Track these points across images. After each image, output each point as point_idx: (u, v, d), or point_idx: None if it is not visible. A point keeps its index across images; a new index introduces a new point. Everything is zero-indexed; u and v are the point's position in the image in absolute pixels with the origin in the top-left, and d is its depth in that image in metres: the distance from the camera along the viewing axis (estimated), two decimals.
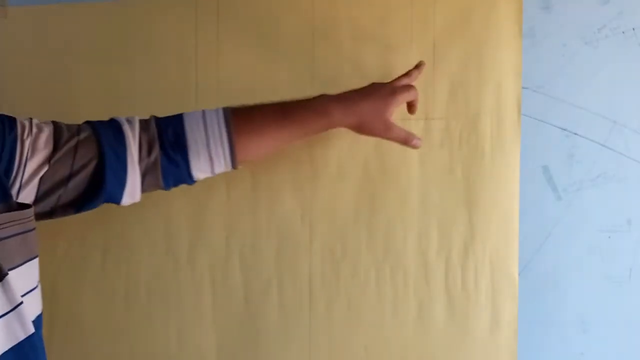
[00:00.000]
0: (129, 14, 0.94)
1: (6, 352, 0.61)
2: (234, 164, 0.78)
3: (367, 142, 0.88)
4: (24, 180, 0.68)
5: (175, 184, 0.79)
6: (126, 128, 0.75)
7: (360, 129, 0.80)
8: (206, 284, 0.93)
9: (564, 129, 0.88)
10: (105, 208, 0.77)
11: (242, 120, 0.77)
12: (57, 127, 0.73)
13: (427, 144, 0.86)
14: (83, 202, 0.73)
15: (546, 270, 0.88)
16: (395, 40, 0.87)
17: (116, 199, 0.75)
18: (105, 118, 0.76)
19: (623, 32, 0.86)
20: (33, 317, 0.67)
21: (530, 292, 0.87)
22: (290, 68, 0.90)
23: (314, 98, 0.79)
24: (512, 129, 0.85)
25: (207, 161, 0.77)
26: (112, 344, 0.95)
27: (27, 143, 0.69)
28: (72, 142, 0.72)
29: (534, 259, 0.89)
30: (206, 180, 0.80)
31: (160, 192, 0.79)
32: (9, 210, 0.64)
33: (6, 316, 0.62)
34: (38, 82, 0.97)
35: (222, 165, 0.78)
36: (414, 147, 0.81)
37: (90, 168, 0.72)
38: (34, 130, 0.70)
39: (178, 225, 0.93)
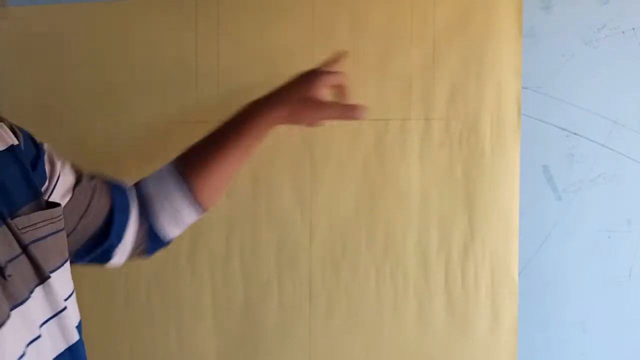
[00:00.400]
0: (129, 14, 0.94)
1: None
2: (201, 206, 0.78)
3: (367, 142, 0.88)
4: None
5: (154, 249, 0.80)
6: (130, 193, 0.76)
7: (293, 117, 0.78)
8: (206, 284, 0.93)
9: (564, 129, 0.88)
10: None
11: (186, 162, 0.78)
12: (71, 163, 0.72)
13: (427, 144, 0.86)
14: (81, 251, 0.73)
15: (546, 270, 0.88)
16: (395, 40, 0.87)
17: (107, 258, 0.76)
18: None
19: (623, 32, 0.86)
20: (75, 324, 0.63)
21: (530, 292, 0.87)
22: (290, 68, 0.89)
23: (238, 112, 0.79)
24: (512, 129, 0.85)
25: (172, 214, 0.77)
26: (112, 344, 0.95)
27: (58, 165, 0.68)
28: (92, 183, 0.72)
29: (534, 259, 0.89)
30: None
31: None
32: (40, 209, 0.61)
33: (48, 323, 0.58)
34: (38, 82, 0.97)
35: (189, 212, 0.78)
36: (358, 117, 0.76)
37: (101, 216, 0.72)
38: (57, 157, 0.69)
39: None
